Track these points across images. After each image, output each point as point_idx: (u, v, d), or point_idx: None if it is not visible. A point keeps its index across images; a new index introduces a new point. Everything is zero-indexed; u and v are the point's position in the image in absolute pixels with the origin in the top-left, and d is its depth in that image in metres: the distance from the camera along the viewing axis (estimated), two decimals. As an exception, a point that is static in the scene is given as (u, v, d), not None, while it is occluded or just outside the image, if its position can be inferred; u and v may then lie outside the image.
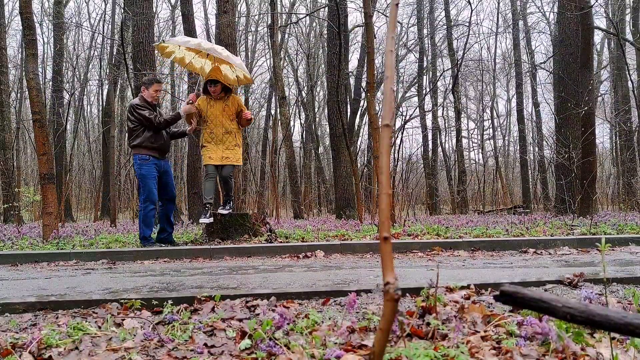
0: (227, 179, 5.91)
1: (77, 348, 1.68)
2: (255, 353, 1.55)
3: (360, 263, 4.17)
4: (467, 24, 15.50)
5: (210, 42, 7.72)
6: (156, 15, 22.58)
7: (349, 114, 16.38)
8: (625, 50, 13.47)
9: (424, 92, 21.39)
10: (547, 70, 17.57)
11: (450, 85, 19.25)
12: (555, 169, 13.21)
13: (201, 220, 5.73)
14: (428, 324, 1.73)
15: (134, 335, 1.79)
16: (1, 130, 12.25)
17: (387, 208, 1.04)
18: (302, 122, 25.12)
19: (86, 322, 1.98)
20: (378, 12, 16.21)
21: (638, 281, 2.70)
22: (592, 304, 1.05)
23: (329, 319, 1.96)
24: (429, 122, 21.75)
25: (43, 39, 22.71)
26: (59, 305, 2.35)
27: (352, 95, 18.38)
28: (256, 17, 25.03)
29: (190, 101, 5.81)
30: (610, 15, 15.41)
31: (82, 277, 3.62)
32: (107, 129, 17.07)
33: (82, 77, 23.22)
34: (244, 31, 23.85)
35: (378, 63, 19.04)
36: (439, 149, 22.51)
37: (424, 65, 21.48)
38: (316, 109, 25.24)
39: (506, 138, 25.79)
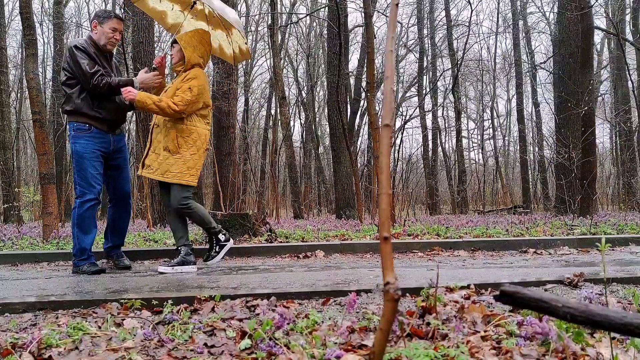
0: (177, 210, 3.90)
1: (77, 348, 1.68)
2: (255, 353, 1.55)
3: (360, 263, 4.17)
4: (467, 24, 15.50)
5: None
6: (156, 15, 22.51)
7: (349, 114, 16.38)
8: (625, 50, 13.46)
9: (424, 92, 21.39)
10: (547, 70, 17.57)
11: (450, 85, 19.25)
12: (555, 169, 13.20)
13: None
14: (428, 324, 1.73)
15: (134, 335, 1.79)
16: (1, 130, 12.24)
17: (387, 208, 1.05)
18: (302, 122, 25.12)
19: (86, 322, 1.98)
20: (378, 12, 16.21)
21: (638, 281, 2.70)
22: (592, 304, 1.05)
23: (329, 319, 1.96)
24: (429, 122, 21.77)
25: (43, 39, 22.71)
26: (59, 305, 2.35)
27: (352, 95, 18.37)
28: (256, 17, 25.02)
29: (154, 66, 3.97)
30: (610, 15, 15.41)
31: (82, 277, 3.62)
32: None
33: (82, 77, 23.17)
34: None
35: (378, 63, 19.04)
36: (439, 149, 22.51)
37: (424, 65, 21.48)
38: (316, 109, 25.23)
39: (506, 138, 25.80)
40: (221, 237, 4.17)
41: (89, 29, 4.11)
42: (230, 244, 4.22)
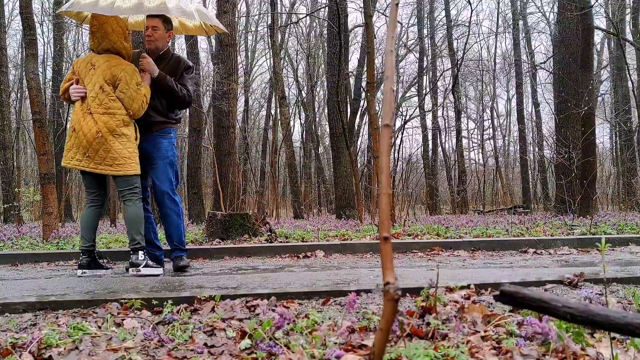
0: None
1: (77, 348, 1.68)
2: (255, 353, 1.55)
3: (360, 263, 4.17)
4: (467, 24, 15.50)
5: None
6: (156, 15, 22.48)
7: (349, 114, 16.38)
8: (625, 50, 13.47)
9: (424, 92, 21.38)
10: (547, 70, 17.56)
11: (450, 85, 19.23)
12: (555, 169, 13.19)
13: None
14: (428, 324, 1.72)
15: (134, 335, 1.79)
16: (1, 130, 12.24)
17: (387, 208, 1.04)
18: (302, 122, 25.11)
19: (86, 322, 1.98)
20: (378, 12, 16.21)
21: (638, 281, 2.70)
22: (592, 304, 1.05)
23: (329, 319, 1.96)
24: (429, 122, 21.75)
25: (43, 39, 22.67)
26: (59, 305, 2.35)
27: (352, 95, 18.36)
28: (256, 17, 25.01)
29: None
30: (610, 15, 15.40)
31: (82, 277, 3.61)
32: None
33: (82, 77, 23.14)
34: (244, 31, 23.84)
35: (378, 63, 19.02)
36: (439, 149, 22.50)
37: (424, 65, 21.47)
38: (316, 109, 25.21)
39: (506, 138, 25.78)
40: (82, 261, 3.62)
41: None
42: (78, 272, 3.60)
